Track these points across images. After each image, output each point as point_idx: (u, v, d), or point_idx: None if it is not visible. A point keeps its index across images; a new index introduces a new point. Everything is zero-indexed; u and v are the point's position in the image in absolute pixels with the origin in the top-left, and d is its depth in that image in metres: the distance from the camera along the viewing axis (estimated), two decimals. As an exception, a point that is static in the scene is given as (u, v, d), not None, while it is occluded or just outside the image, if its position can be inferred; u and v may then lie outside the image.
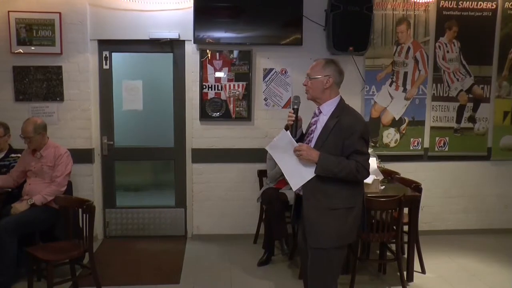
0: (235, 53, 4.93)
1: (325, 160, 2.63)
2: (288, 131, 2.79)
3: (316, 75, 2.76)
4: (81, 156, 4.77)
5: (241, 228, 5.12)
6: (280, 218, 4.32)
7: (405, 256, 4.15)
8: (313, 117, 2.87)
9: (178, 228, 5.19)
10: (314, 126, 2.81)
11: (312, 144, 2.76)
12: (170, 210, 5.18)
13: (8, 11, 4.68)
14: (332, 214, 2.69)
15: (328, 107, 2.77)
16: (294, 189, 2.80)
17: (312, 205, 2.74)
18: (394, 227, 3.85)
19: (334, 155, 2.66)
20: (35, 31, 4.74)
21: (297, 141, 2.87)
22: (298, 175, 2.73)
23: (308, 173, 2.70)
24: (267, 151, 2.85)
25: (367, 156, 2.72)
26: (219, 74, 4.93)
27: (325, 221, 2.70)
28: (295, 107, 2.85)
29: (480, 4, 5.10)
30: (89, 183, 4.94)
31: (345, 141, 2.66)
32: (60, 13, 4.73)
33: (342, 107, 2.78)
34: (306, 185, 2.74)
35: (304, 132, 2.96)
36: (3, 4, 4.65)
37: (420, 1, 5.03)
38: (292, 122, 2.82)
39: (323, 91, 2.76)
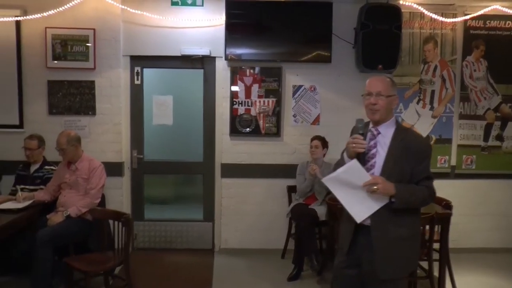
0: (265, 70, 5.00)
1: (402, 192, 2.44)
2: (357, 161, 2.47)
3: (390, 93, 2.54)
4: (111, 169, 4.80)
5: (269, 243, 5.14)
6: (310, 234, 4.34)
7: (435, 274, 4.13)
8: (371, 139, 2.59)
9: (206, 241, 5.22)
10: (375, 149, 2.56)
11: (377, 170, 2.52)
12: (197, 223, 5.22)
13: (46, 27, 4.81)
14: (402, 243, 2.52)
15: (387, 128, 2.57)
16: (358, 221, 2.53)
17: (381, 236, 2.51)
18: (427, 244, 3.85)
19: (402, 183, 2.47)
20: (70, 46, 4.85)
21: None
22: (363, 206, 2.49)
23: (376, 204, 2.47)
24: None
25: (433, 178, 2.58)
26: (249, 91, 5.01)
27: (396, 251, 2.51)
28: (361, 132, 2.51)
29: (508, 24, 5.14)
30: (118, 196, 5.00)
31: (415, 167, 2.49)
32: (94, 29, 4.84)
33: (403, 128, 2.62)
34: (373, 215, 2.51)
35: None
36: (41, 21, 4.77)
37: (447, 21, 5.08)
38: (363, 150, 2.51)
39: (390, 111, 2.58)
